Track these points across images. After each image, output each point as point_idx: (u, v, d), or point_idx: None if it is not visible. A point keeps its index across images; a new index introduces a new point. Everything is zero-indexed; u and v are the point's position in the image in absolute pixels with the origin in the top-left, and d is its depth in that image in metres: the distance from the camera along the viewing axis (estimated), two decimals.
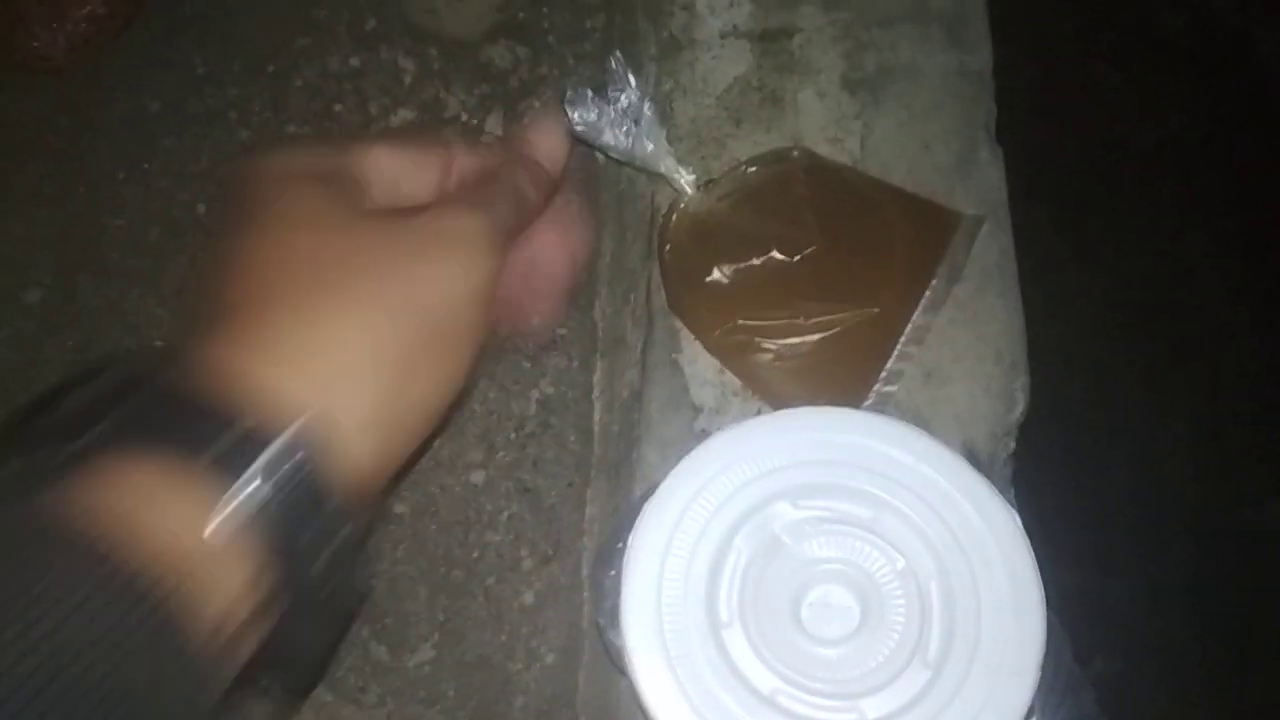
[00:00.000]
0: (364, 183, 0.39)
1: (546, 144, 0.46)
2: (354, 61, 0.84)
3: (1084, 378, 1.02)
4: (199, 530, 0.29)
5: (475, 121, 0.83)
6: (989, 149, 0.62)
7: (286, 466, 0.30)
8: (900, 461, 0.44)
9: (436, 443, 0.74)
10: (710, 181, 0.60)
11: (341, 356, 0.33)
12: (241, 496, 0.29)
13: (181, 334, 0.37)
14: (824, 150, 0.61)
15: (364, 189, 0.39)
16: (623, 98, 0.58)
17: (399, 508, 0.73)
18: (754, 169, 0.59)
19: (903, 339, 0.57)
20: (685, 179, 0.59)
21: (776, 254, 0.56)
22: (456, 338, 0.36)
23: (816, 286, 0.56)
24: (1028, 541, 0.42)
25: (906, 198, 0.59)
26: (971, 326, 0.59)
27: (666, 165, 0.59)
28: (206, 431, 0.30)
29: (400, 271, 0.35)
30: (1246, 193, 1.19)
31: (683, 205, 0.59)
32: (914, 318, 0.57)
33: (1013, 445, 0.58)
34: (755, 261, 0.56)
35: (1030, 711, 0.39)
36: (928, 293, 0.58)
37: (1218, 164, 1.21)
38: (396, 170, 0.40)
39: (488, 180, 0.42)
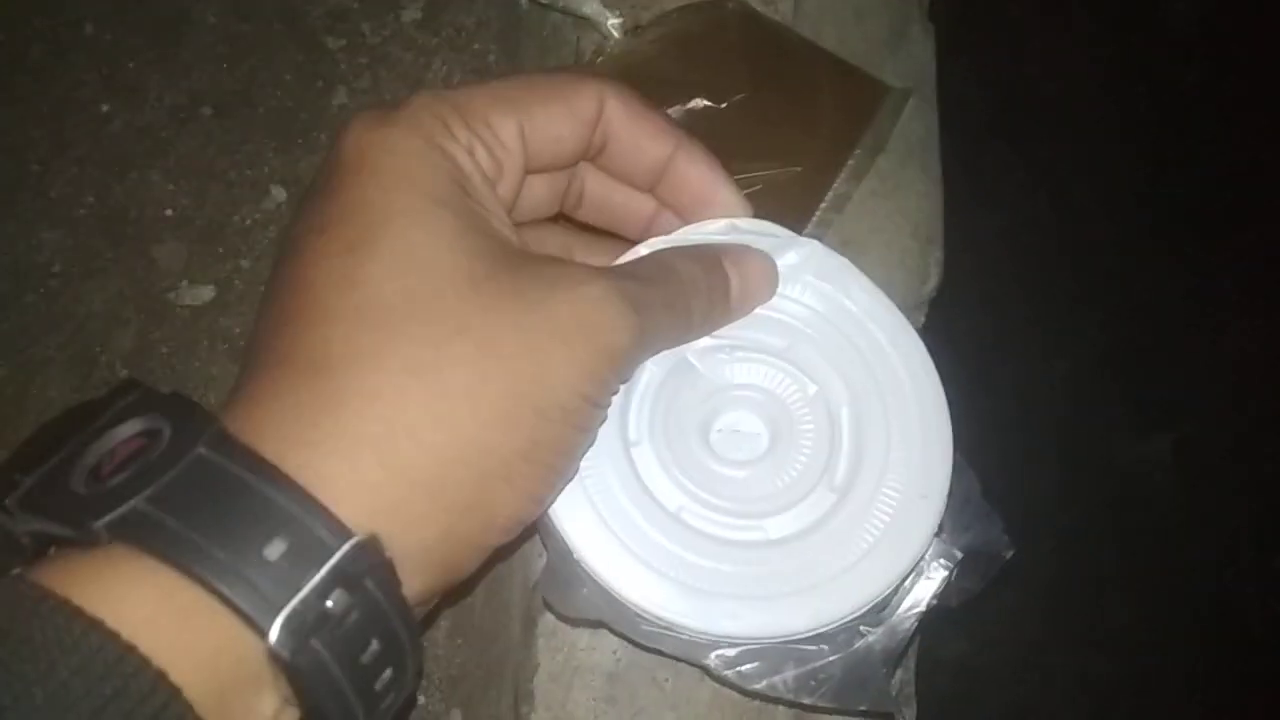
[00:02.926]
0: (499, 157, 0.34)
1: (754, 279, 0.41)
2: None
3: (982, 288, 1.03)
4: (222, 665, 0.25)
5: None
6: (920, 26, 0.62)
7: (339, 593, 0.26)
8: (817, 288, 0.43)
9: None
10: (639, 27, 0.58)
11: (424, 449, 0.28)
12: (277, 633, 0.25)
13: (246, 357, 0.31)
14: (756, 7, 0.60)
15: (499, 167, 0.34)
16: None
17: None
18: (687, 15, 0.57)
19: (823, 204, 0.56)
20: (612, 22, 0.57)
21: (703, 100, 0.54)
22: (560, 443, 0.31)
23: (741, 139, 0.54)
24: (936, 372, 0.41)
25: (836, 62, 0.58)
26: (891, 199, 0.58)
27: (592, 8, 0.57)
28: (252, 539, 0.25)
29: (525, 347, 0.30)
30: (1143, 143, 1.23)
31: (609, 49, 0.57)
32: (835, 185, 0.56)
33: (922, 319, 0.57)
34: (680, 108, 0.55)
35: (939, 530, 0.39)
36: (850, 161, 0.57)
37: (1116, 114, 1.24)
38: (540, 129, 0.36)
39: (662, 269, 0.37)
